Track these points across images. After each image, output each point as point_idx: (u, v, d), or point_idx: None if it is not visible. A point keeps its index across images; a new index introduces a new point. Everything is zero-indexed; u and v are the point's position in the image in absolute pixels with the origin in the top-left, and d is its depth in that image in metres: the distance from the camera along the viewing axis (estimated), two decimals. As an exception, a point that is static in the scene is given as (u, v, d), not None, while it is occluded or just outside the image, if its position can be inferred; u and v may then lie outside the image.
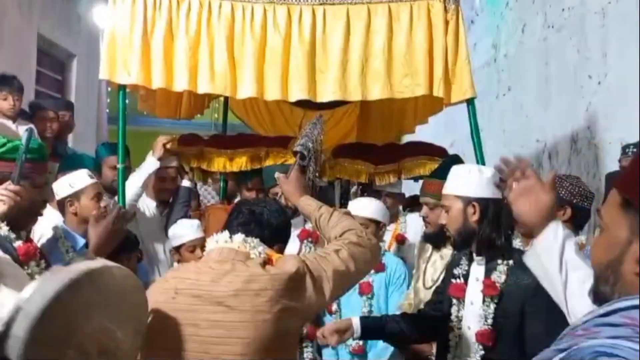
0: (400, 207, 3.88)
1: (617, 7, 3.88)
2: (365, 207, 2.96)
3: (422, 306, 2.51)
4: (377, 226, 2.92)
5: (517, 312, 1.99)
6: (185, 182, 3.49)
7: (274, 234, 1.83)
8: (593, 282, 1.00)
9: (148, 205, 3.45)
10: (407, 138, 4.73)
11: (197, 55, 3.04)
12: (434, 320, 2.25)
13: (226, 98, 4.44)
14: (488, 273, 2.08)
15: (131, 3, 3.07)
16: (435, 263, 2.72)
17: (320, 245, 3.14)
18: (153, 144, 3.34)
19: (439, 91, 3.05)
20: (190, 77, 3.01)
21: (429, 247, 2.79)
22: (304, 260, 1.70)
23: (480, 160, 3.18)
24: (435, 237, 2.72)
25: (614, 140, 3.69)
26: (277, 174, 2.27)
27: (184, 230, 3.06)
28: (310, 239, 3.14)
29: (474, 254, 2.14)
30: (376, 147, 3.82)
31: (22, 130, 3.30)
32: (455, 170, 2.17)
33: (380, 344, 2.80)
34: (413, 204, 4.30)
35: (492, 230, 2.05)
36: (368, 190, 3.71)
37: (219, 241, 1.77)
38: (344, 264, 1.75)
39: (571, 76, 4.35)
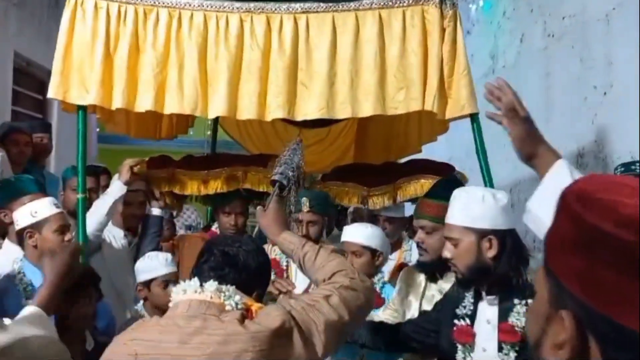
0: (405, 233, 3.58)
1: (621, 13, 3.67)
2: (359, 233, 2.68)
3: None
4: (372, 255, 2.63)
5: None
6: (156, 210, 3.18)
7: (252, 279, 1.57)
8: None
9: (115, 235, 3.15)
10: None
11: (164, 72, 2.78)
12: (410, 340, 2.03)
13: (216, 115, 4.19)
14: (503, 315, 1.79)
15: (92, 13, 2.81)
16: (434, 299, 2.38)
17: None
18: (119, 167, 3.05)
19: (433, 106, 2.76)
20: (156, 96, 2.75)
21: (422, 278, 2.47)
22: (289, 312, 1.46)
23: (488, 181, 2.90)
24: (433, 267, 2.37)
25: (623, 153, 3.47)
26: (258, 208, 2.02)
27: (155, 262, 2.75)
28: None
29: (484, 293, 1.85)
30: (373, 167, 3.54)
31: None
32: (463, 196, 1.87)
33: None
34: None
35: (510, 267, 1.77)
36: (364, 215, 3.42)
37: (188, 291, 1.49)
38: (336, 313, 1.52)
39: (574, 87, 4.16)
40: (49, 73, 2.91)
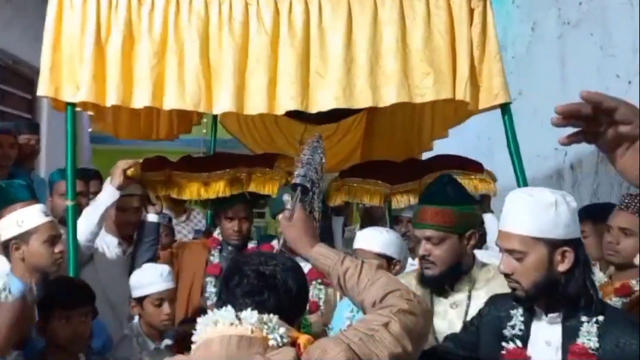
0: None
1: (647, -5, 3.43)
2: (373, 239, 2.42)
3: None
4: (388, 263, 2.38)
5: None
6: (152, 217, 2.92)
7: (295, 304, 1.34)
8: None
9: (109, 244, 2.88)
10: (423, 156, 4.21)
11: (162, 63, 2.52)
12: None
13: (215, 111, 3.94)
14: (569, 336, 1.55)
15: (81, 1, 2.56)
16: (447, 314, 2.09)
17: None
18: (111, 170, 2.77)
19: (466, 95, 2.51)
20: (154, 91, 2.48)
21: (425, 294, 2.13)
22: (349, 345, 1.23)
23: (522, 178, 2.68)
24: (441, 282, 2.09)
25: (651, 146, 3.25)
26: (281, 216, 1.76)
27: (149, 277, 2.48)
28: (320, 280, 2.64)
29: (538, 310, 1.61)
30: (395, 163, 3.28)
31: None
32: (529, 200, 1.60)
33: None
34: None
35: (583, 280, 1.55)
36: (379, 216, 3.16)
37: (220, 322, 1.23)
38: (398, 344, 1.30)
39: (594, 77, 3.97)
40: (38, 71, 2.65)
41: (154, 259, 2.83)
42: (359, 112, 3.55)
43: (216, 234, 3.04)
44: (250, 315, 1.23)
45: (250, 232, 3.06)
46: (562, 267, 1.55)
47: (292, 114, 3.50)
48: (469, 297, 2.03)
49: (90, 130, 7.52)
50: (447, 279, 2.05)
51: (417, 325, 1.36)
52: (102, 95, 2.49)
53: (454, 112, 3.11)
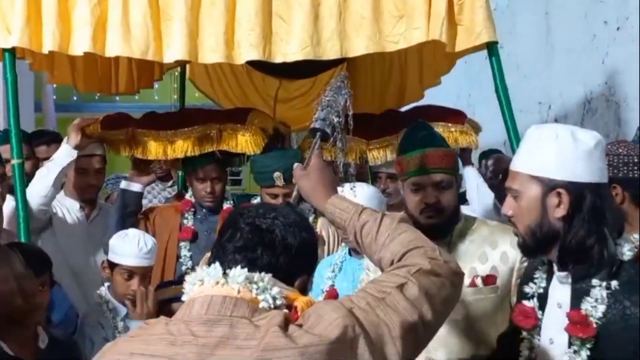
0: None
1: None
2: (358, 194, 2.24)
3: None
4: None
5: None
6: (137, 187, 2.72)
7: (295, 262, 1.17)
8: None
9: (69, 208, 2.70)
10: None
11: (104, 4, 2.31)
12: None
13: (183, 67, 3.71)
14: (577, 299, 1.38)
15: None
16: None
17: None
18: (68, 128, 2.57)
19: (441, 35, 2.32)
20: (94, 35, 2.27)
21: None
22: (351, 311, 1.07)
23: (512, 127, 2.52)
24: (445, 231, 1.91)
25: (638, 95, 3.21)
26: (295, 165, 1.55)
27: (127, 248, 2.27)
28: None
29: (555, 266, 1.44)
30: (372, 117, 3.09)
31: None
32: (534, 135, 1.45)
33: None
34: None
35: (587, 234, 1.36)
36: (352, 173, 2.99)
37: (206, 282, 1.09)
38: (415, 310, 1.12)
39: (580, 24, 3.82)
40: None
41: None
42: (336, 65, 3.35)
43: (188, 196, 2.87)
44: (238, 274, 1.08)
45: (224, 192, 2.89)
46: (557, 213, 1.37)
47: (263, 68, 3.31)
48: (448, 244, 1.86)
49: (54, 98, 7.18)
50: (450, 226, 1.89)
51: (442, 290, 1.18)
52: (38, 41, 2.29)
53: (443, 57, 2.92)
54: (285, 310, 1.07)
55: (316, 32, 2.31)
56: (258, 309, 1.06)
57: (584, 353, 1.33)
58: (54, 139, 3.10)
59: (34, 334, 1.93)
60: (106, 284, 2.38)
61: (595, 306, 1.34)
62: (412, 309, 1.11)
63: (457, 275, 1.26)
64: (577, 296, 1.38)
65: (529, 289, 1.49)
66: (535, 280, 1.49)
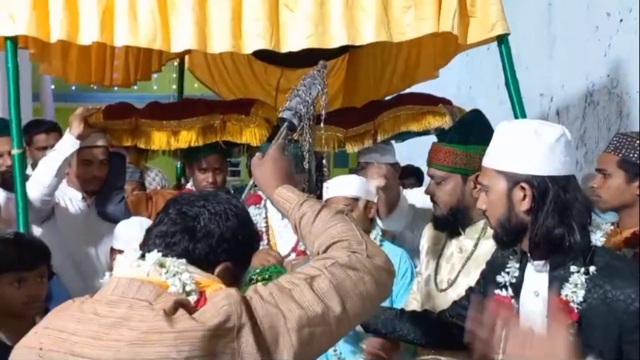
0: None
1: None
2: (342, 185, 2.41)
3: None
4: (365, 206, 2.39)
5: (607, 347, 1.32)
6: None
7: (216, 249, 1.17)
8: None
9: (72, 198, 2.67)
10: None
11: None
12: (457, 329, 1.67)
13: (182, 57, 3.68)
14: (557, 286, 1.41)
15: None
16: (452, 257, 2.04)
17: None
18: (70, 118, 2.54)
19: (453, 27, 2.30)
20: (102, 24, 2.22)
21: (442, 236, 2.10)
22: (246, 299, 1.09)
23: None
24: (447, 222, 2.03)
25: (642, 88, 3.23)
26: (256, 154, 1.56)
27: (133, 236, 2.26)
28: (258, 205, 2.52)
29: (530, 256, 1.48)
30: (354, 108, 3.13)
31: None
32: (502, 130, 1.50)
33: None
34: (408, 175, 3.67)
35: (555, 224, 1.40)
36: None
37: (127, 264, 1.14)
38: (320, 304, 1.13)
39: (583, 15, 3.81)
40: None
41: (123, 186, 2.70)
42: (339, 54, 3.33)
43: (189, 185, 2.87)
44: (151, 257, 1.12)
45: (225, 183, 2.88)
46: (523, 207, 1.42)
47: (265, 57, 3.29)
48: (476, 245, 1.95)
49: (53, 87, 7.12)
50: (452, 222, 1.99)
51: (360, 285, 1.18)
52: (45, 30, 2.23)
53: (444, 47, 2.93)
54: (184, 296, 1.08)
55: (322, 20, 2.29)
56: (164, 293, 1.08)
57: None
58: (53, 128, 3.10)
59: (32, 326, 1.93)
60: (107, 274, 2.36)
61: (575, 291, 1.38)
62: (317, 302, 1.12)
63: (384, 271, 1.25)
64: (556, 284, 1.41)
65: (502, 278, 1.53)
66: (508, 270, 1.52)
